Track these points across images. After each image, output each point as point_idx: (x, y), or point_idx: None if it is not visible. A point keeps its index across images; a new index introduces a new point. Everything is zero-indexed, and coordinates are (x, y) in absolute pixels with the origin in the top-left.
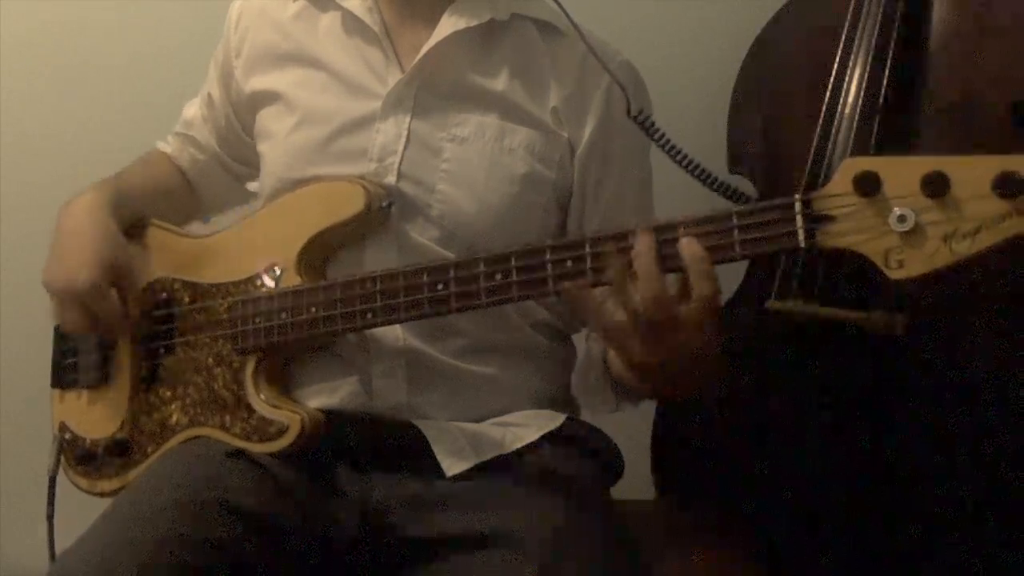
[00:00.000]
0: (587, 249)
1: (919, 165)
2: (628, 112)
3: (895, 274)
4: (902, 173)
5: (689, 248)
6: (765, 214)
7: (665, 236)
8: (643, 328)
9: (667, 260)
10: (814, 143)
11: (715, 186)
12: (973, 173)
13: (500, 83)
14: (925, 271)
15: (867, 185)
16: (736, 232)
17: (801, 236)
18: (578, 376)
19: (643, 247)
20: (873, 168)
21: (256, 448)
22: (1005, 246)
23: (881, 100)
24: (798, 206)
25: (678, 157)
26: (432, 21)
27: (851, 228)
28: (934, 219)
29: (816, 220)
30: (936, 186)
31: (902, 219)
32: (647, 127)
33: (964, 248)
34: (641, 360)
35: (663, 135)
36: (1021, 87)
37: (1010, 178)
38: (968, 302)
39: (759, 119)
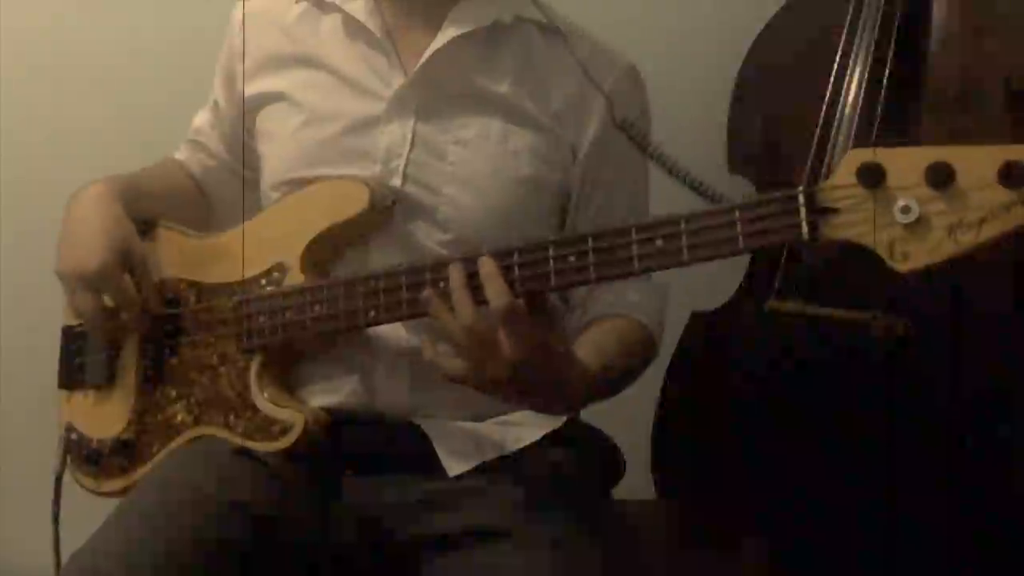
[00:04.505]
0: (590, 244)
1: (923, 155)
2: (614, 120)
3: (900, 266)
4: (906, 164)
5: (484, 266)
6: (768, 207)
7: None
8: (472, 350)
9: (477, 291)
10: (815, 140)
11: (707, 193)
12: (978, 163)
13: (504, 86)
14: (930, 263)
15: (871, 176)
16: (739, 225)
17: (804, 228)
18: None
19: (455, 282)
20: (877, 159)
21: (259, 447)
22: (1010, 236)
23: (881, 96)
24: (801, 198)
25: (667, 164)
26: (434, 23)
27: (855, 220)
28: (939, 210)
29: (819, 212)
30: (940, 176)
31: (906, 210)
32: (633, 135)
33: (969, 239)
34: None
35: (650, 143)
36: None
37: (1016, 167)
38: (969, 301)
39: (759, 119)
